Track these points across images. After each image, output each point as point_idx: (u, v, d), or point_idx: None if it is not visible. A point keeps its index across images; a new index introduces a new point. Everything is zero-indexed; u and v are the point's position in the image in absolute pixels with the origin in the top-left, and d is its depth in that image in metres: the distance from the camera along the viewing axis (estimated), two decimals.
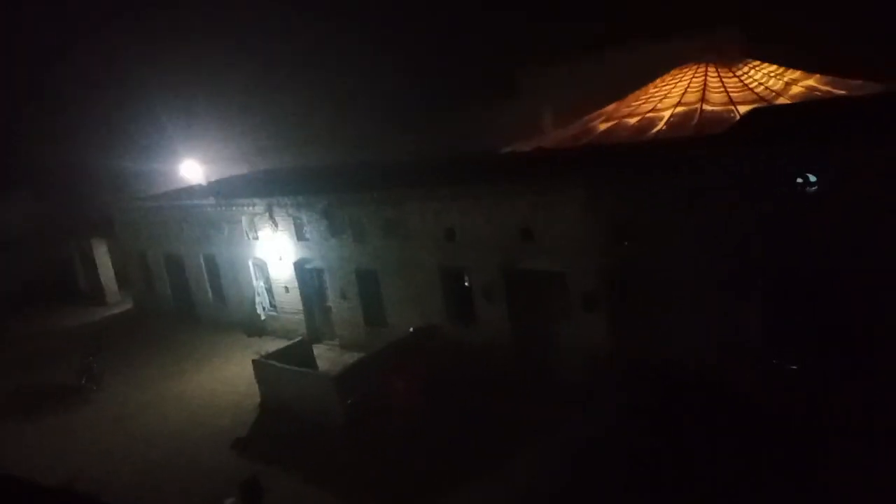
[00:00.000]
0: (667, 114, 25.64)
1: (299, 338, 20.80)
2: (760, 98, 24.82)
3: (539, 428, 15.04)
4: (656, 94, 28.09)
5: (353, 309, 21.66)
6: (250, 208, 23.95)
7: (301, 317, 23.33)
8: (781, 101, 24.59)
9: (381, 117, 39.17)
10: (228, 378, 21.18)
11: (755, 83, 26.62)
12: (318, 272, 22.65)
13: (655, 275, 15.22)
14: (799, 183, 13.03)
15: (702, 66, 28.33)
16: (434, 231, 18.80)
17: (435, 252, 18.97)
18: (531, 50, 40.37)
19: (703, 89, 26.33)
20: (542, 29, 40.45)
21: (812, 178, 12.94)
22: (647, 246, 15.15)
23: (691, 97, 26.16)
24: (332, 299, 22.31)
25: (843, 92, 24.81)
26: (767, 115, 16.91)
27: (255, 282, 25.07)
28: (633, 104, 28.51)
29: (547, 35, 39.97)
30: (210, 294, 27.24)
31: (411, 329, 19.10)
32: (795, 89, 26.09)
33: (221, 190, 26.42)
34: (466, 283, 18.85)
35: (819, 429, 12.84)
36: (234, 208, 24.70)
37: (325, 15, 42.08)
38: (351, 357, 19.27)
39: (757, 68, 28.25)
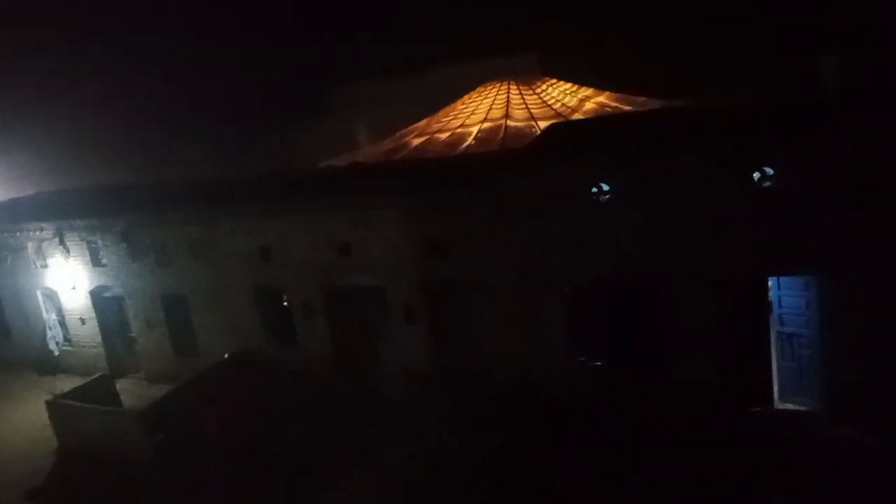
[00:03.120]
0: (475, 129, 26.64)
1: (100, 373, 19.05)
2: (558, 114, 26.54)
3: (367, 447, 14.87)
4: (464, 111, 29.13)
5: (160, 338, 20.25)
6: (38, 233, 21.65)
7: (101, 350, 21.46)
8: (576, 116, 26.44)
9: (187, 133, 37.09)
10: (18, 423, 18.89)
11: (553, 100, 28.44)
12: (119, 300, 20.94)
13: (470, 285, 15.67)
14: (594, 192, 14.00)
15: (505, 84, 29.84)
16: (248, 250, 18.07)
17: (249, 272, 18.24)
18: (345, 68, 40.36)
19: (507, 106, 27.71)
20: (355, 49, 40.58)
21: (605, 188, 13.97)
22: (462, 257, 15.56)
23: (496, 113, 27.40)
24: (136, 329, 20.72)
25: (629, 107, 27.18)
26: (564, 130, 18.04)
27: (45, 314, 22.67)
28: (444, 120, 29.36)
29: (359, 55, 40.17)
30: None
31: (226, 355, 18.17)
32: (589, 105, 28.18)
33: (2, 214, 23.65)
34: (285, 303, 18.31)
35: (621, 418, 13.90)
36: (18, 234, 22.20)
37: (127, 22, 39.19)
38: (160, 390, 17.91)
39: (554, 86, 30.22)
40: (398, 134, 30.88)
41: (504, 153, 19.62)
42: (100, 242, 20.48)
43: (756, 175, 12.82)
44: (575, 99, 28.64)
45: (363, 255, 16.69)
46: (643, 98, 28.12)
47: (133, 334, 21.00)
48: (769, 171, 12.72)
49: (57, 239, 21.16)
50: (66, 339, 22.50)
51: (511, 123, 26.19)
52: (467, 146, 25.43)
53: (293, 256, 17.51)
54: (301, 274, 17.52)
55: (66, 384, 19.31)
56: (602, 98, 28.98)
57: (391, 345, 17.06)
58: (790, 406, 13.84)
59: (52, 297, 22.47)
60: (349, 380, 17.52)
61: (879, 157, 11.97)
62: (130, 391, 19.64)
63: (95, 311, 21.39)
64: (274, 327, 18.56)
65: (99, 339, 21.52)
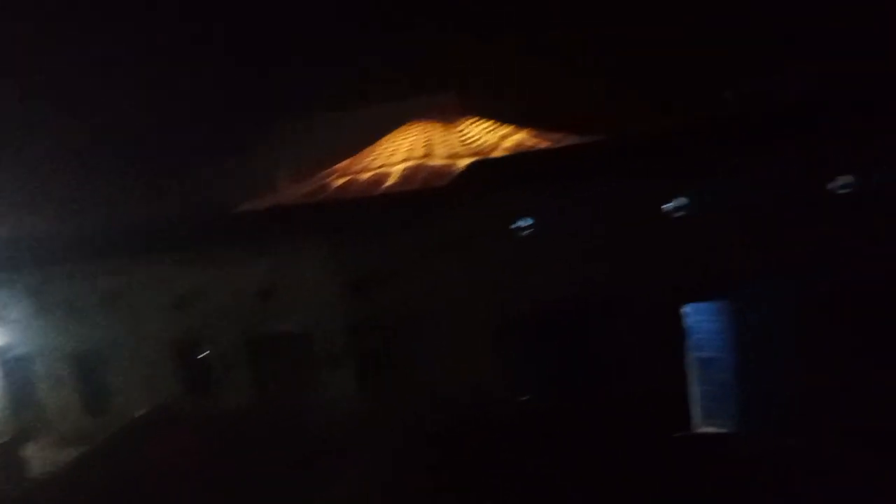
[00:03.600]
0: (397, 169, 26.64)
1: (5, 438, 17.82)
2: (478, 152, 26.84)
3: (295, 498, 14.30)
4: (386, 151, 29.15)
5: (70, 398, 19.14)
6: None
7: (6, 413, 20.07)
8: (497, 153, 26.80)
9: (94, 179, 35.63)
10: None
11: (473, 138, 28.81)
12: (26, 360, 19.72)
13: (400, 324, 15.49)
14: (516, 226, 14.14)
15: (425, 123, 30.07)
16: (163, 301, 17.39)
17: (166, 323, 17.53)
18: (263, 108, 39.81)
19: (428, 145, 27.89)
20: (272, 88, 40.12)
21: (527, 221, 14.13)
22: (390, 297, 15.40)
23: (418, 153, 27.52)
24: (45, 389, 19.51)
25: (546, 144, 27.75)
26: (485, 167, 18.23)
27: None
28: (365, 160, 29.26)
29: (278, 94, 39.72)
30: None
31: (142, 412, 17.30)
32: (508, 143, 28.63)
33: None
34: (204, 354, 17.62)
35: (550, 446, 13.84)
36: None
37: (25, 53, 37.46)
38: (72, 453, 16.87)
39: (474, 124, 30.64)
40: (319, 175, 30.57)
41: (427, 191, 19.64)
42: (4, 299, 19.34)
43: (668, 205, 13.21)
44: (495, 136, 29.05)
45: (287, 300, 16.30)
46: (560, 134, 28.78)
47: (41, 395, 19.76)
48: (682, 200, 13.14)
49: None
50: None
51: (433, 162, 26.33)
52: (389, 185, 25.38)
53: (212, 305, 16.94)
54: (221, 323, 16.95)
55: None
56: (521, 135, 29.50)
57: (319, 390, 16.60)
58: (711, 429, 14.11)
59: None
60: (276, 431, 16.90)
61: (789, 187, 12.55)
62: (40, 456, 18.39)
63: (1, 372, 20.08)
64: (192, 380, 17.82)
65: (3, 401, 20.17)
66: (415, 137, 29.27)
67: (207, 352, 17.68)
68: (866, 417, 12.17)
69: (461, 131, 29.62)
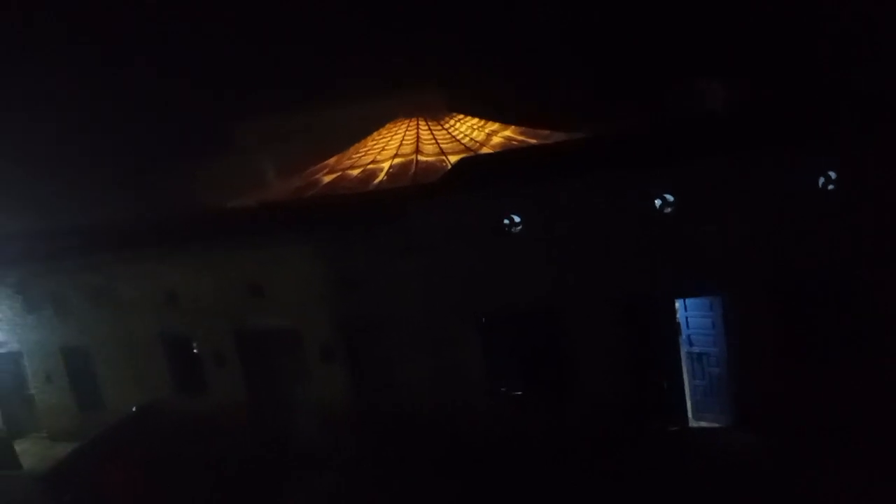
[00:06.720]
0: (386, 165, 26.68)
1: None
2: (467, 148, 26.92)
3: (283, 493, 14.41)
4: (375, 147, 29.15)
5: (61, 393, 19.14)
6: None
7: None
8: (485, 149, 26.93)
9: (80, 176, 35.41)
10: None
11: (461, 135, 28.87)
12: (15, 356, 19.68)
13: (388, 320, 15.58)
14: (506, 223, 14.29)
15: (413, 120, 30.07)
16: (153, 297, 17.41)
17: (156, 319, 17.55)
18: (249, 104, 39.60)
19: (417, 141, 27.93)
20: (259, 83, 39.94)
21: (517, 218, 14.28)
22: (378, 293, 15.48)
23: (407, 149, 27.57)
24: (35, 385, 19.50)
25: (534, 141, 27.91)
26: (474, 163, 18.36)
27: None
28: (354, 157, 29.25)
29: (264, 90, 39.53)
30: None
31: (134, 408, 17.33)
32: (496, 139, 28.75)
33: None
34: (195, 350, 17.66)
35: (540, 445, 14.02)
36: None
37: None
38: (64, 449, 16.88)
39: (462, 121, 30.70)
40: (308, 171, 30.54)
41: (416, 187, 19.73)
42: None
43: (657, 201, 13.41)
44: (482, 133, 29.16)
45: (276, 296, 16.37)
46: (547, 131, 28.93)
47: (32, 391, 19.74)
48: (669, 197, 13.34)
49: None
50: None
51: (422, 158, 26.39)
52: (379, 182, 25.43)
53: (202, 301, 16.98)
54: (210, 319, 17.00)
55: None
56: (508, 132, 29.62)
57: (308, 387, 16.69)
58: (704, 423, 14.35)
59: None
60: (265, 428, 16.98)
61: (772, 179, 12.76)
62: (31, 453, 18.43)
63: None
64: (184, 376, 17.85)
65: None
66: (403, 134, 29.31)
67: (196, 347, 17.72)
68: (852, 413, 12.38)
69: (449, 128, 29.71)
